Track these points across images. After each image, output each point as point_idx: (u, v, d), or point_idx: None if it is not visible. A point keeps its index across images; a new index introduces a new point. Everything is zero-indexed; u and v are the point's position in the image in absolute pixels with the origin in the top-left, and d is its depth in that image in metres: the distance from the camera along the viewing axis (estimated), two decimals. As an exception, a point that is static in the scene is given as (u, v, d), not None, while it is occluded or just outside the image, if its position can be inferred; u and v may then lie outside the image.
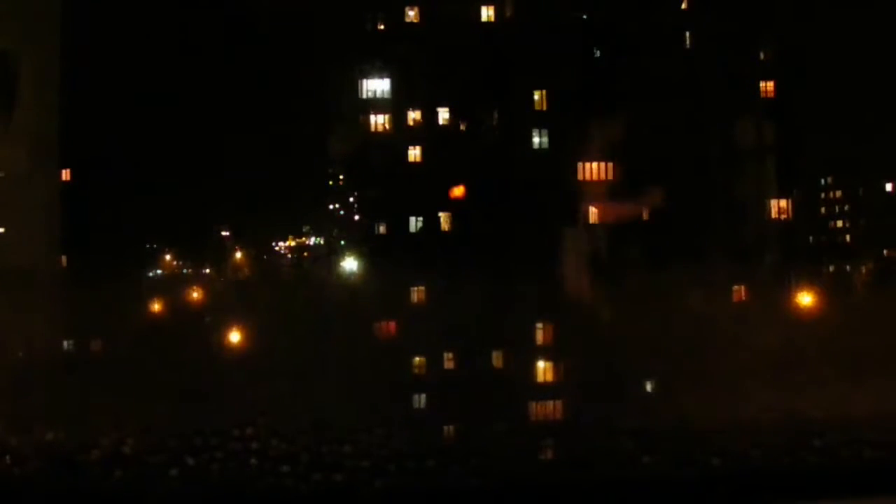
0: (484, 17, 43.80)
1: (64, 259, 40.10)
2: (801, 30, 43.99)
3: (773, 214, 44.82)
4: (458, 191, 43.17)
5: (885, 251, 50.22)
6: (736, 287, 40.78)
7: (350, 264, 45.53)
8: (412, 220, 43.46)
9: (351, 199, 48.71)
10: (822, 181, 55.40)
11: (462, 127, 43.38)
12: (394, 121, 43.49)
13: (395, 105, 43.47)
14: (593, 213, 43.44)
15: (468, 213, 42.69)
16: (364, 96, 43.79)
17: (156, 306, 40.29)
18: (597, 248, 41.50)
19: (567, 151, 42.85)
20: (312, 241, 51.17)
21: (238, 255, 48.13)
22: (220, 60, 44.24)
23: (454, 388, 32.97)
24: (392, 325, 38.78)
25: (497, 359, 37.08)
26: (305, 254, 50.85)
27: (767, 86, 44.55)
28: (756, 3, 43.89)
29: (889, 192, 53.43)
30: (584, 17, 44.10)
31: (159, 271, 46.51)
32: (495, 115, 43.23)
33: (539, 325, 38.26)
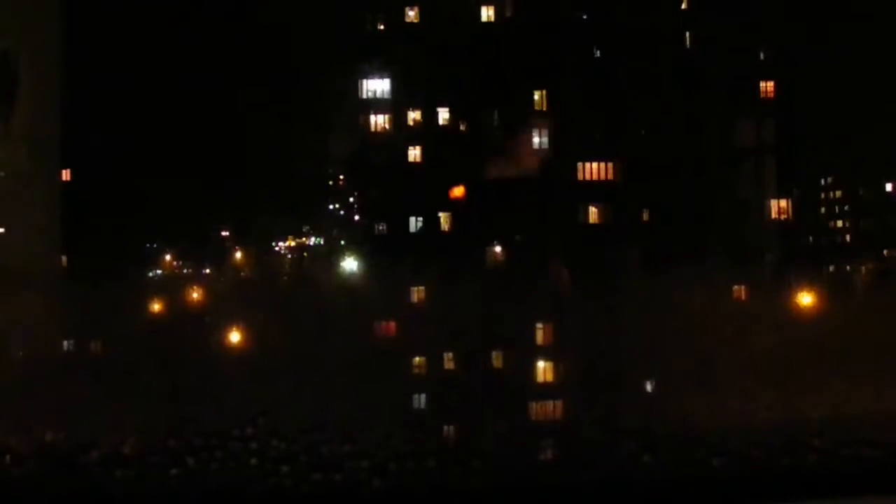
0: (484, 18, 43.84)
1: (64, 259, 40.10)
2: (801, 30, 44.02)
3: (773, 214, 44.86)
4: (458, 191, 43.20)
5: (885, 251, 50.23)
6: (736, 287, 40.78)
7: (350, 264, 45.55)
8: (412, 220, 43.50)
9: (351, 199, 48.74)
10: (822, 181, 55.42)
11: (462, 127, 43.41)
12: (394, 121, 43.53)
13: (395, 105, 43.51)
14: (593, 212, 43.49)
15: (468, 213, 42.72)
16: (364, 96, 43.83)
17: (156, 306, 40.27)
18: (596, 247, 41.50)
19: (567, 151, 42.89)
20: (312, 241, 51.19)
21: (238, 255, 48.12)
22: (220, 61, 44.26)
23: (454, 388, 32.99)
24: (392, 324, 38.78)
25: (497, 359, 37.09)
26: (305, 254, 50.87)
27: (767, 86, 44.59)
28: (756, 3, 43.92)
29: (889, 192, 53.44)
30: (584, 17, 44.13)
31: (159, 271, 46.51)
32: (495, 115, 43.26)
33: (539, 325, 38.26)
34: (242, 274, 47.35)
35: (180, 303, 41.76)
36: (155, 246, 46.69)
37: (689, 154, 42.95)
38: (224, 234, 48.17)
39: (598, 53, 43.94)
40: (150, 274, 45.42)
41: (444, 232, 43.10)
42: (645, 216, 43.32)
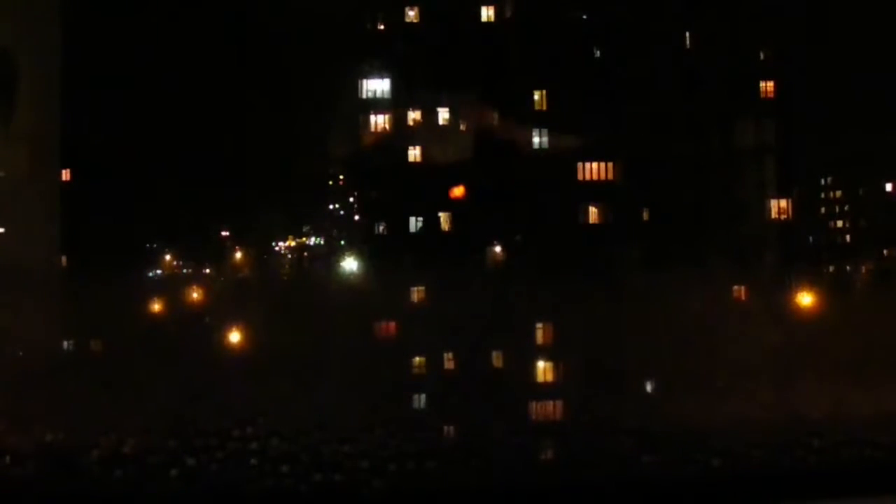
0: (484, 17, 43.84)
1: (64, 259, 40.08)
2: (801, 30, 44.01)
3: (773, 214, 44.85)
4: (458, 191, 43.21)
5: (885, 251, 50.20)
6: (735, 287, 40.78)
7: (350, 264, 45.54)
8: (412, 220, 43.51)
9: (351, 199, 48.73)
10: (822, 181, 55.39)
11: (462, 127, 43.41)
12: (394, 121, 43.53)
13: (395, 105, 43.50)
14: (593, 212, 43.48)
15: (468, 213, 42.73)
16: (364, 96, 43.83)
17: (156, 306, 40.28)
18: (595, 247, 41.51)
19: (567, 151, 42.88)
20: (312, 241, 51.17)
21: (238, 255, 48.10)
22: (221, 60, 44.25)
23: (454, 389, 32.98)
24: (392, 324, 38.78)
25: (497, 358, 37.09)
26: (305, 254, 50.84)
27: (767, 86, 44.58)
28: (756, 3, 43.91)
29: (889, 192, 53.41)
30: (584, 17, 44.13)
31: (159, 271, 46.48)
32: (495, 115, 43.25)
33: (539, 325, 38.26)
34: (242, 274, 47.33)
35: (180, 303, 41.77)
36: (155, 246, 46.67)
37: (688, 154, 42.93)
38: (224, 234, 48.14)
39: (598, 53, 43.95)
40: (150, 274, 45.40)
41: (444, 232, 43.12)
42: (645, 216, 43.33)
